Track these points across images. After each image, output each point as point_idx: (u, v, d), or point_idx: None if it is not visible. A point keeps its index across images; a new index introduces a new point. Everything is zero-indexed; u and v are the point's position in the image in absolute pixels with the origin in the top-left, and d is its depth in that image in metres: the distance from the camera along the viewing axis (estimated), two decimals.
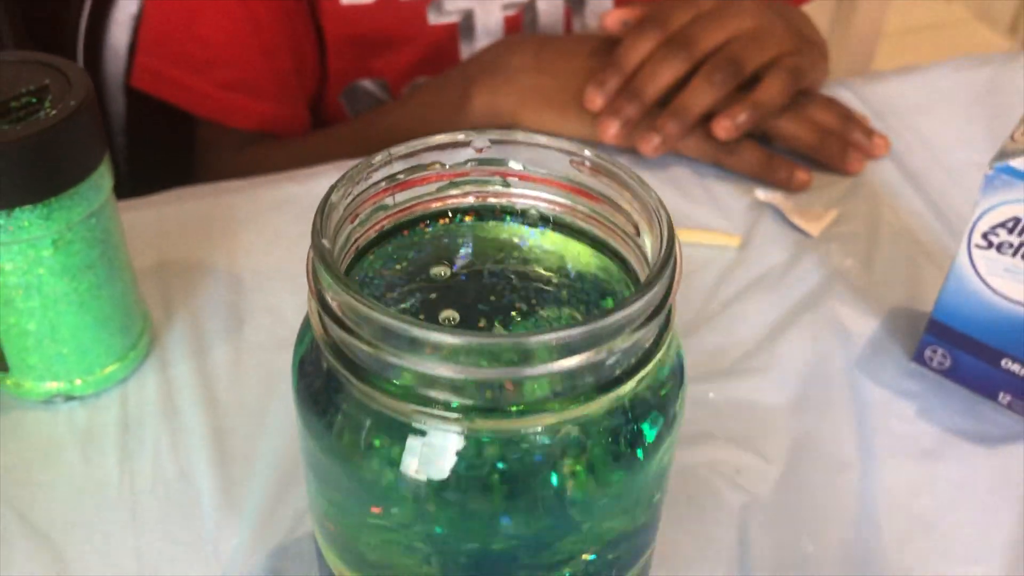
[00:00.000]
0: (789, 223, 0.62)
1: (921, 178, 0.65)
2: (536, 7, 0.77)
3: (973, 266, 0.49)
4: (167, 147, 0.86)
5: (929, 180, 0.65)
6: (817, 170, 0.65)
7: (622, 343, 0.26)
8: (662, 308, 0.27)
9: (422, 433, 0.27)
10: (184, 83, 0.76)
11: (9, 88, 0.43)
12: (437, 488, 0.28)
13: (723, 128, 0.62)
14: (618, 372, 0.27)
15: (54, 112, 0.42)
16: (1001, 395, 0.51)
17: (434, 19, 0.77)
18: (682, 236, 0.59)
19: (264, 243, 0.59)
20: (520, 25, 0.78)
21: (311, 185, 0.63)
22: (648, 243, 0.30)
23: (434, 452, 0.27)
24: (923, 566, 0.44)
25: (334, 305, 0.27)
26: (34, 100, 0.43)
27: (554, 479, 0.28)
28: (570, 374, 0.26)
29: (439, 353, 0.26)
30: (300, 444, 0.32)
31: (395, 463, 0.28)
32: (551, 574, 0.30)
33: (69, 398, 0.49)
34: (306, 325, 0.32)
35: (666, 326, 0.28)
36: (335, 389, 0.29)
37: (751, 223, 0.62)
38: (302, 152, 0.73)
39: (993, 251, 0.48)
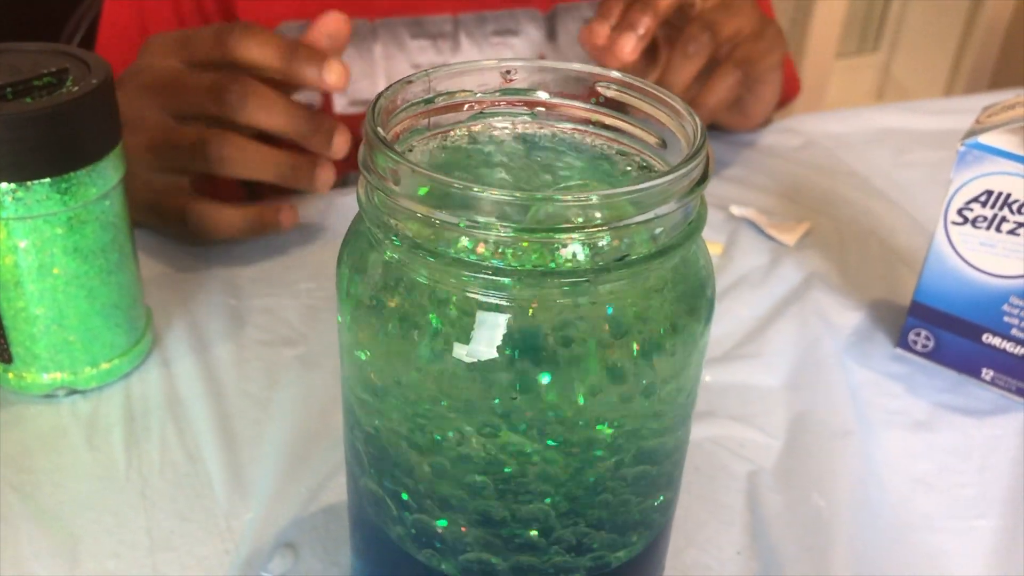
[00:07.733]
0: (766, 235, 0.64)
1: (883, 192, 0.69)
2: None
3: (951, 243, 0.51)
4: None
5: (889, 192, 0.69)
6: (788, 193, 0.68)
7: (677, 204, 0.28)
8: (703, 181, 0.29)
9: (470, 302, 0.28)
10: None
11: (31, 70, 0.44)
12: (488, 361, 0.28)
13: None
14: (666, 241, 0.28)
15: (75, 89, 0.43)
16: (984, 371, 0.53)
17: None
18: None
19: (260, 255, 0.60)
20: None
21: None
22: (680, 142, 0.32)
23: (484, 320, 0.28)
24: (930, 520, 0.45)
25: (392, 180, 0.28)
26: (54, 81, 0.44)
27: (597, 350, 0.29)
28: (623, 237, 0.27)
29: (489, 211, 0.27)
30: (345, 355, 0.33)
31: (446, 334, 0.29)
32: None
33: (72, 391, 0.49)
34: (349, 238, 0.32)
35: (703, 207, 0.30)
36: (388, 279, 0.30)
37: (730, 234, 0.64)
38: None
39: (968, 226, 0.51)
